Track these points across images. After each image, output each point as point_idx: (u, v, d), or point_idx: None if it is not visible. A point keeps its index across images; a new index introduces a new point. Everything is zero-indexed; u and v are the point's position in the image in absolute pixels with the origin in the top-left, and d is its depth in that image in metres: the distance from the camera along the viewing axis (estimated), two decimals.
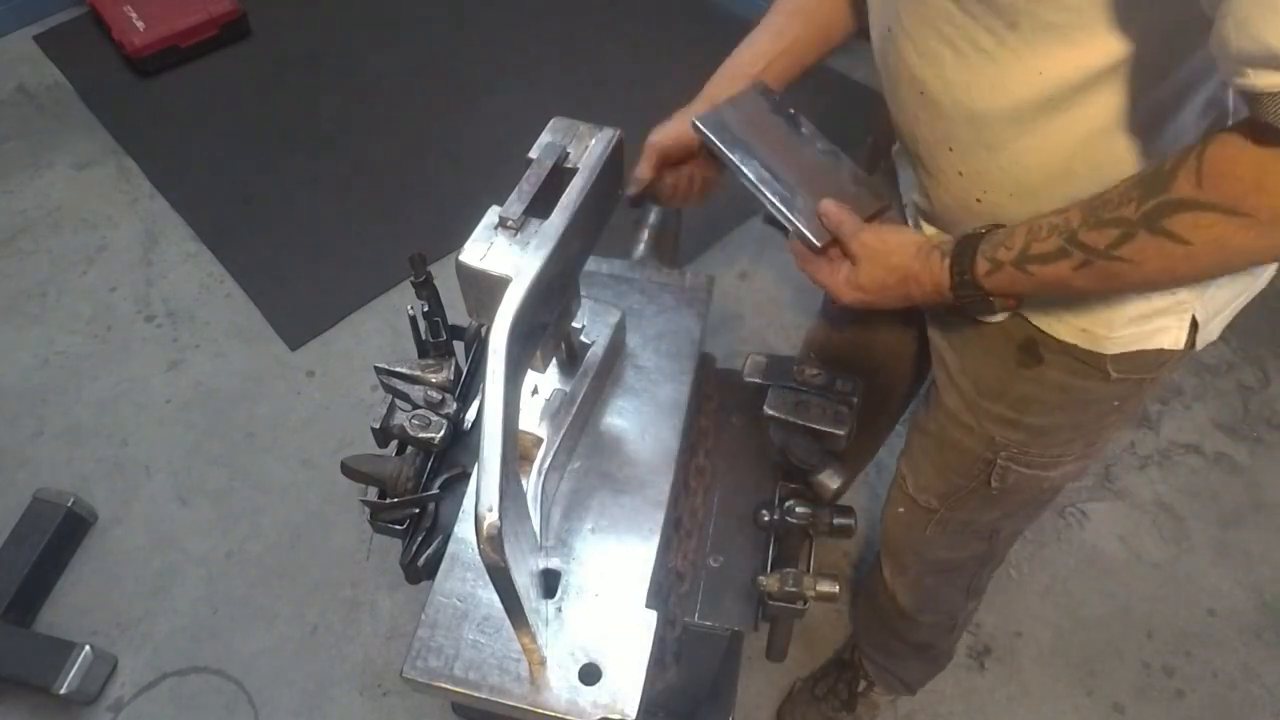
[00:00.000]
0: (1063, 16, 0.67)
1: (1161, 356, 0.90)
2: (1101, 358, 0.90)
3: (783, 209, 0.91)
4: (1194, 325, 0.88)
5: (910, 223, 1.00)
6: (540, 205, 0.75)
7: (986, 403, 1.02)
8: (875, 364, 1.27)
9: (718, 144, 0.96)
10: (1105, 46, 0.68)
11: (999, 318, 0.92)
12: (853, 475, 1.60)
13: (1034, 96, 0.73)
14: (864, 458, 1.64)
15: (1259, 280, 0.92)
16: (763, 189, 0.93)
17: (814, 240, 0.89)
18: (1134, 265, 0.68)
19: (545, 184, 0.77)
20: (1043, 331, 0.91)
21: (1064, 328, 0.89)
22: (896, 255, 0.84)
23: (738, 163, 0.95)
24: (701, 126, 0.97)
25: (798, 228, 0.90)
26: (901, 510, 1.23)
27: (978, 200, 0.85)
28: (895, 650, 1.56)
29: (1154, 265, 0.67)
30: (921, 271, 0.82)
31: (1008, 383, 0.98)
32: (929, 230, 0.96)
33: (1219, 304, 0.89)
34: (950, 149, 0.84)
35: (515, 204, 0.74)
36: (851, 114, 2.67)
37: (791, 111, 1.00)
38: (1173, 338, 0.88)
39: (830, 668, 1.75)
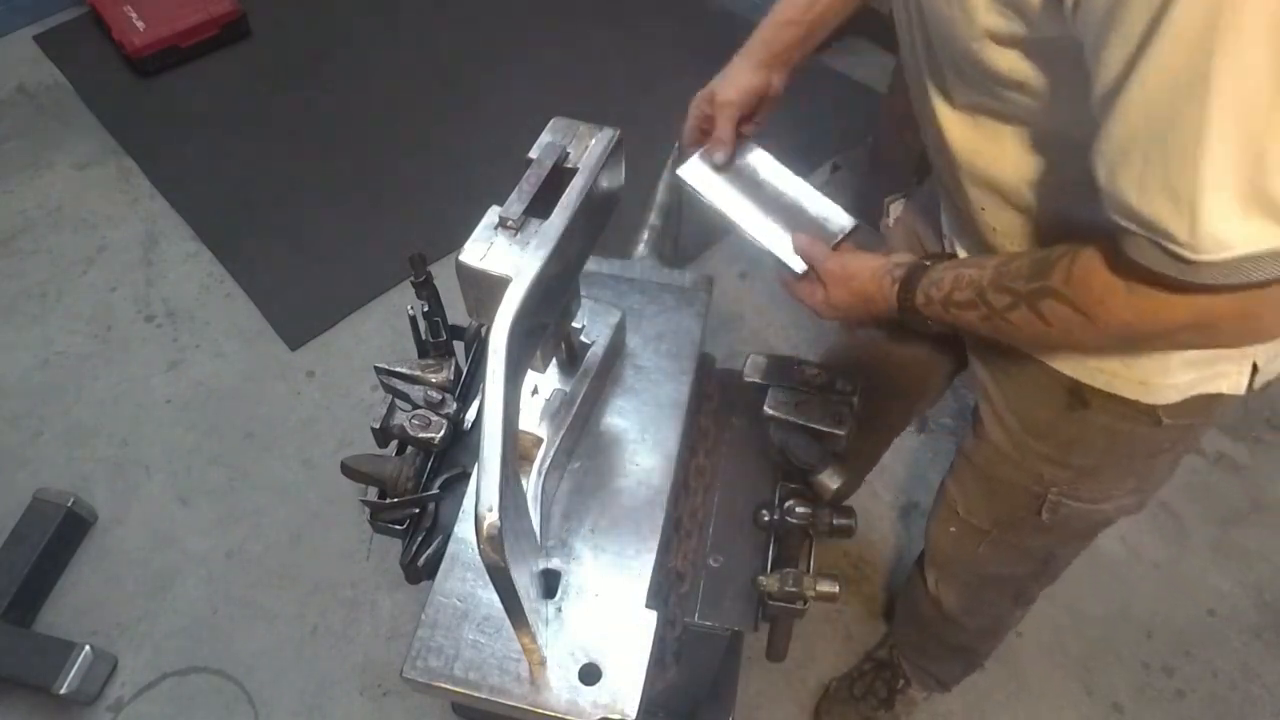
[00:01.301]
0: (1022, 111, 0.73)
1: (1218, 401, 0.88)
2: (1153, 406, 0.88)
3: (766, 245, 1.00)
4: (1254, 369, 0.86)
5: (946, 239, 1.03)
6: (540, 205, 0.75)
7: (1033, 441, 1.00)
8: (898, 383, 1.26)
9: (700, 192, 1.05)
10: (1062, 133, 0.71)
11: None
12: (858, 480, 1.60)
13: (1033, 170, 0.78)
14: (868, 463, 1.64)
15: None
16: (746, 229, 1.02)
17: (794, 269, 0.97)
18: (1016, 329, 0.77)
19: (545, 184, 0.77)
20: (1096, 388, 0.90)
21: (1121, 384, 0.88)
22: (856, 280, 0.92)
23: (721, 208, 1.03)
24: (684, 177, 1.06)
25: (779, 260, 0.98)
26: (953, 530, 1.21)
27: (994, 230, 0.88)
28: (933, 652, 1.57)
29: (1028, 333, 0.76)
30: (877, 294, 0.90)
31: (1054, 424, 0.97)
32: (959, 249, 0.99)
33: (1268, 349, 0.86)
34: (970, 197, 0.86)
35: (515, 204, 0.74)
36: (852, 114, 2.68)
37: (763, 150, 1.09)
38: (1232, 383, 0.86)
39: (866, 667, 1.75)
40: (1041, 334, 0.75)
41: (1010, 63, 0.68)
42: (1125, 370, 0.86)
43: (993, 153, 0.79)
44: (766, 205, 1.03)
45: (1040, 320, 0.73)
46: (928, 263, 0.86)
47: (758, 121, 1.10)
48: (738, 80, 1.04)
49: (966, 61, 0.71)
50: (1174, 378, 0.85)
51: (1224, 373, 0.86)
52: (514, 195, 0.75)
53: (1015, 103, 0.72)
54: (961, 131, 0.80)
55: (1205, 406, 0.88)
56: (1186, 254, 0.57)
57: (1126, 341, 0.73)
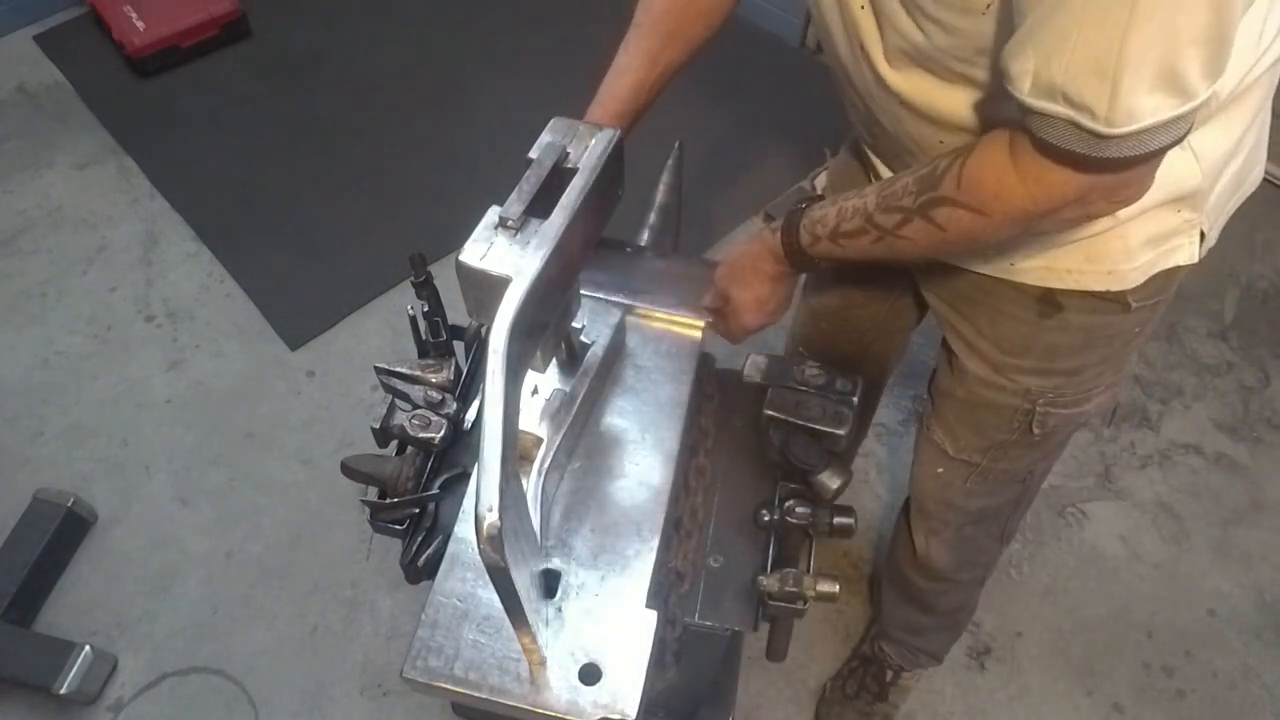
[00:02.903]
0: (962, 66, 0.77)
1: (1175, 274, 0.96)
2: (1122, 293, 0.94)
3: (667, 312, 1.07)
4: (1201, 236, 0.93)
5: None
6: (540, 205, 0.75)
7: (1014, 359, 1.04)
8: (865, 343, 1.32)
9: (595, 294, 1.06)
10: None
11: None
12: (852, 453, 1.63)
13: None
14: (861, 431, 1.66)
15: (1247, 183, 0.97)
16: (650, 305, 1.07)
17: (702, 316, 1.06)
18: (911, 242, 0.82)
19: (545, 184, 0.77)
20: (1065, 289, 0.95)
21: (1090, 279, 0.93)
22: (741, 257, 1.00)
23: (621, 299, 1.05)
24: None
25: (685, 314, 1.06)
26: (940, 470, 1.24)
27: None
28: (921, 625, 1.58)
29: (925, 243, 0.81)
30: (761, 254, 0.97)
31: (1032, 336, 1.01)
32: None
33: (1218, 213, 0.95)
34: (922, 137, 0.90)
35: (515, 204, 0.74)
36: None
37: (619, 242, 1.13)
38: (1186, 253, 0.94)
39: (854, 665, 1.76)
40: (938, 241, 0.80)
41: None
42: (1090, 265, 0.92)
43: (945, 98, 0.82)
44: (647, 281, 1.08)
45: (935, 228, 0.79)
46: (803, 205, 0.93)
47: None
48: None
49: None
50: (1136, 260, 0.92)
51: (1178, 245, 0.93)
52: (514, 195, 0.75)
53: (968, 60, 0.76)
54: (912, 88, 0.84)
55: (1165, 282, 0.96)
56: (1100, 128, 0.63)
57: (1020, 231, 0.77)
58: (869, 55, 0.84)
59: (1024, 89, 0.65)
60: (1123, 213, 0.87)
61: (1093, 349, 1.02)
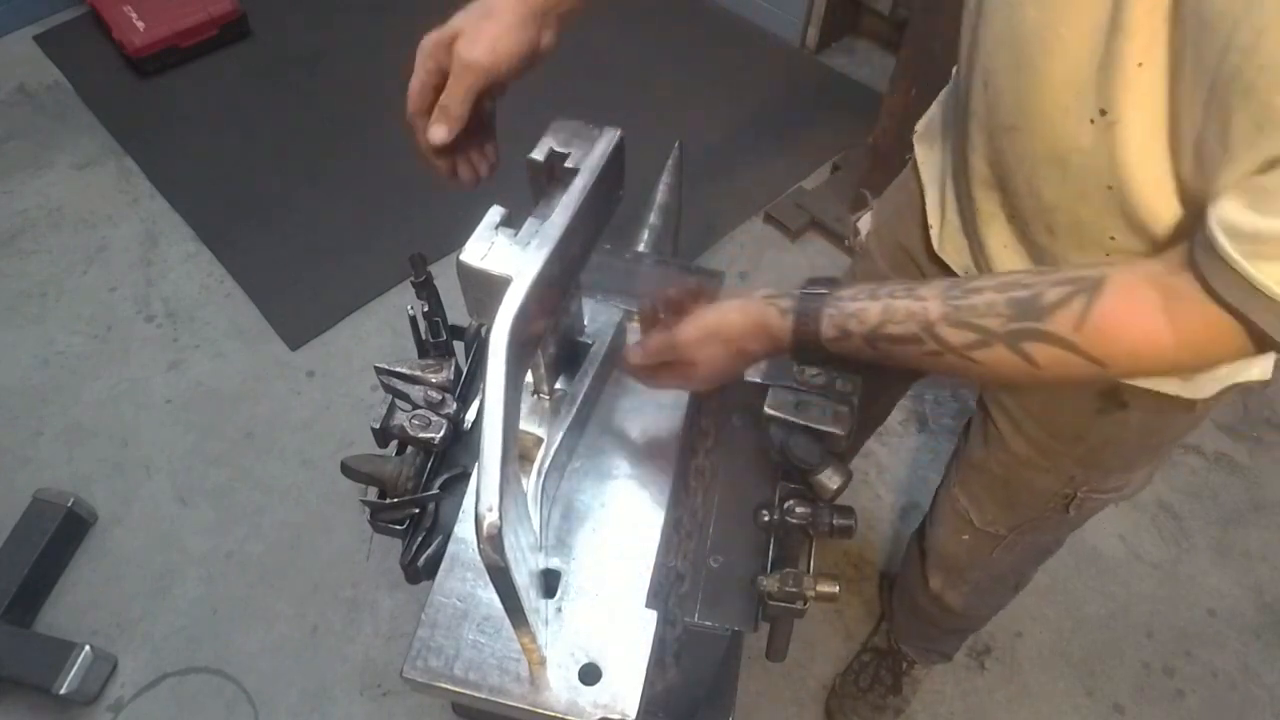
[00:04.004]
0: None
1: (1247, 388, 0.89)
2: (1193, 400, 0.88)
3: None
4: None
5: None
6: (541, 205, 0.75)
7: (1063, 446, 0.99)
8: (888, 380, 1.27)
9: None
10: None
11: None
12: (852, 453, 1.61)
13: None
14: (864, 436, 1.65)
15: None
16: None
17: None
18: (982, 368, 0.69)
19: (546, 184, 0.77)
20: (1135, 389, 0.88)
21: (1164, 382, 0.87)
22: (726, 328, 0.80)
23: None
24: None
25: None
26: (966, 538, 1.21)
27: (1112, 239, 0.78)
28: (935, 635, 1.59)
29: (1000, 374, 0.68)
30: (754, 328, 0.79)
31: (1088, 427, 0.95)
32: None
33: None
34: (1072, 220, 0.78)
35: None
36: (852, 114, 2.68)
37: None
38: (1261, 369, 0.88)
39: (866, 658, 1.76)
40: (1023, 375, 0.67)
41: None
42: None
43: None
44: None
45: (1025, 363, 0.66)
46: (820, 290, 0.76)
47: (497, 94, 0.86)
48: (494, 37, 0.78)
49: None
50: (1216, 372, 0.85)
51: (1254, 360, 0.86)
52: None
53: None
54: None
55: (1233, 392, 0.89)
56: None
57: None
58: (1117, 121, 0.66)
59: (1229, 241, 0.54)
60: None
61: (1147, 446, 0.98)
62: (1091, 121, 0.67)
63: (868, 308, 0.73)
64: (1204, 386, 0.87)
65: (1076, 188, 0.74)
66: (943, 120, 0.98)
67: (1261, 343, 0.58)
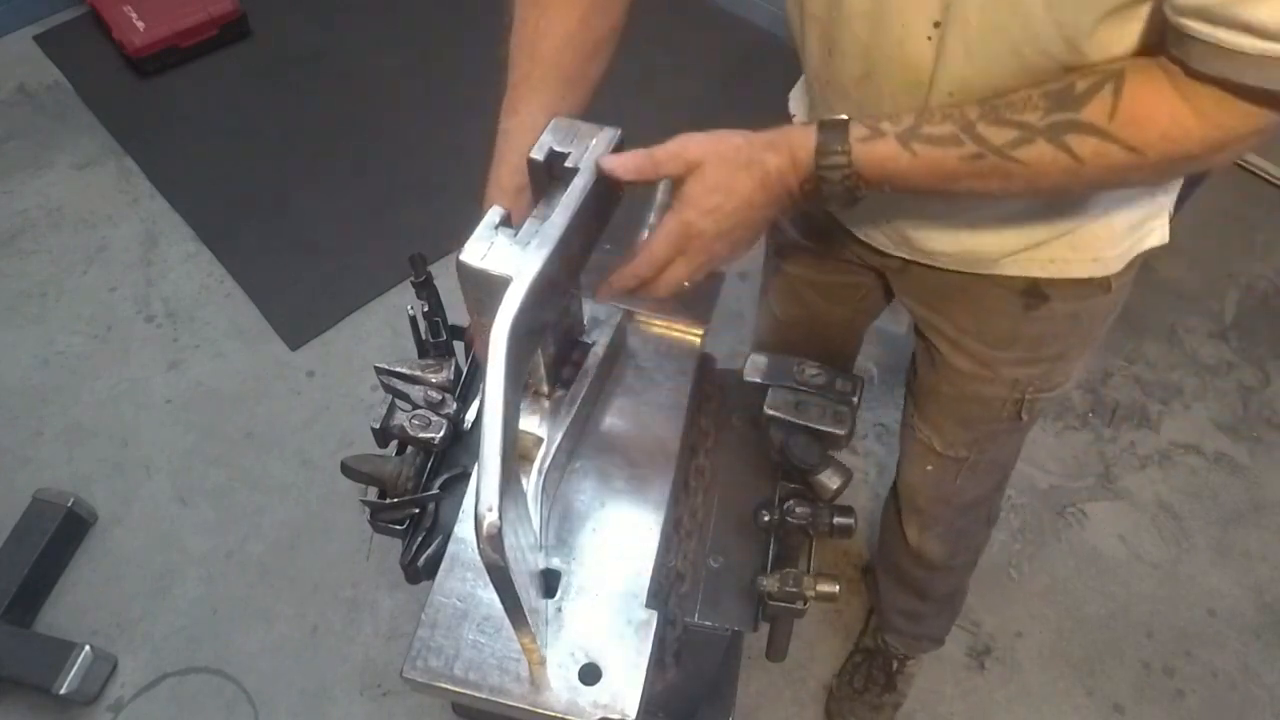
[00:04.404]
0: None
1: (1148, 254, 0.97)
2: (1106, 278, 0.95)
3: (665, 320, 0.98)
4: (1169, 218, 0.95)
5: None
6: (540, 205, 0.75)
7: (1001, 352, 1.04)
8: (833, 346, 1.33)
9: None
10: None
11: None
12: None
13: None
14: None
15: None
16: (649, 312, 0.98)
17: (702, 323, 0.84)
18: (1025, 168, 0.68)
19: (546, 184, 0.77)
20: (1051, 279, 0.95)
21: (1075, 267, 0.93)
22: (735, 150, 0.74)
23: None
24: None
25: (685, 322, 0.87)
26: (930, 468, 1.24)
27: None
28: (920, 611, 1.59)
29: (1044, 172, 0.68)
30: (767, 138, 0.74)
31: (1017, 328, 1.01)
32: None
33: (1174, 194, 0.96)
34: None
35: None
36: None
37: None
38: (1159, 235, 0.96)
39: (858, 659, 1.76)
40: (1068, 172, 0.67)
41: None
42: (1075, 253, 0.92)
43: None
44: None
45: (1069, 157, 0.66)
46: (845, 117, 0.72)
47: None
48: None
49: None
50: (1119, 246, 0.92)
51: (1152, 229, 0.95)
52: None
53: None
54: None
55: (1138, 262, 0.97)
56: None
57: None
58: None
59: (1211, 26, 0.58)
60: (1109, 200, 0.87)
61: (1077, 334, 1.04)
62: (928, 39, 0.72)
63: (900, 114, 0.72)
64: (1111, 263, 0.94)
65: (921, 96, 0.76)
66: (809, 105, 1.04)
67: (1266, 99, 0.60)
